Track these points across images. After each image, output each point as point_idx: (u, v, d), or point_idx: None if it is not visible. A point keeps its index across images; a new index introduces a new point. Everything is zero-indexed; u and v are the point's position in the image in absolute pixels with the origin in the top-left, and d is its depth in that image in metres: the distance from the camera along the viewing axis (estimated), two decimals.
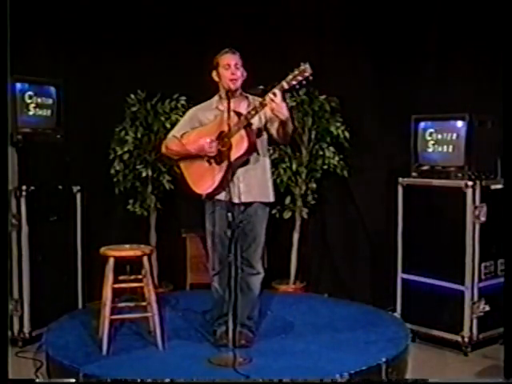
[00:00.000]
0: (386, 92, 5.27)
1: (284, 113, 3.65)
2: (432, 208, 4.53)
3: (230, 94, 3.79)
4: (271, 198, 4.03)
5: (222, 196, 3.89)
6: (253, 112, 3.74)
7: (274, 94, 3.60)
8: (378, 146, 5.35)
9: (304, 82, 3.62)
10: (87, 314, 4.52)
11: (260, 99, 3.82)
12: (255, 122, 3.84)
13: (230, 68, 3.86)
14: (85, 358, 3.74)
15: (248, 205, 3.93)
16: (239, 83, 3.89)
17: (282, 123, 3.74)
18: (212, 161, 3.92)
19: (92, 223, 5.07)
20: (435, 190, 4.51)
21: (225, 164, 3.82)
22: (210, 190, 3.92)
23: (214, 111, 3.97)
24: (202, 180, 3.96)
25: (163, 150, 4.15)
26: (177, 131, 4.11)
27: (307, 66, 3.56)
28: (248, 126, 3.77)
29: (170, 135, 4.16)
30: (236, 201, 3.80)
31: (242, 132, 3.76)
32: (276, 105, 3.61)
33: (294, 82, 3.58)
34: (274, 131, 3.90)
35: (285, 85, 3.60)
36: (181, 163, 4.09)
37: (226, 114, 3.70)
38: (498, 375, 3.80)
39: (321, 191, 5.46)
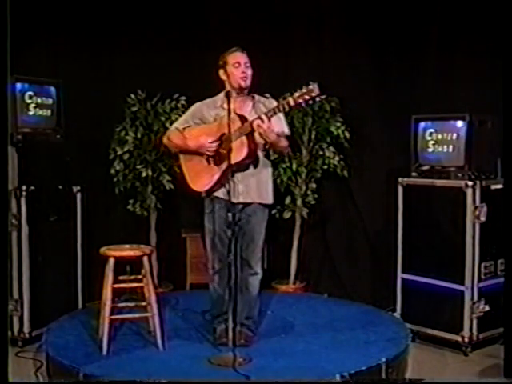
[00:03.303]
0: (386, 92, 5.27)
1: (271, 137, 3.73)
2: (432, 208, 4.53)
3: (233, 93, 3.81)
4: (270, 200, 4.03)
5: (220, 194, 3.91)
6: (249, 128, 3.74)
7: (262, 120, 3.65)
8: (378, 146, 5.35)
9: (311, 102, 3.63)
10: (87, 314, 4.52)
11: (265, 100, 3.84)
12: (256, 135, 3.83)
13: (240, 66, 3.87)
14: (85, 358, 3.74)
15: (247, 205, 3.93)
16: (249, 82, 3.89)
17: (272, 143, 3.82)
18: (211, 160, 3.93)
19: (92, 223, 5.06)
20: (435, 189, 4.50)
21: (223, 166, 3.83)
22: (205, 189, 3.95)
23: (219, 109, 3.96)
24: (199, 177, 3.98)
25: (165, 140, 4.17)
26: (180, 124, 4.12)
27: (316, 86, 3.54)
28: (250, 133, 3.76)
29: (172, 127, 4.19)
30: (234, 200, 3.77)
31: (243, 138, 3.76)
32: (263, 130, 3.67)
33: (300, 101, 3.58)
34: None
35: (291, 101, 3.61)
36: (180, 156, 4.12)
37: (230, 116, 3.69)
38: (498, 375, 3.82)
39: (321, 191, 5.46)
